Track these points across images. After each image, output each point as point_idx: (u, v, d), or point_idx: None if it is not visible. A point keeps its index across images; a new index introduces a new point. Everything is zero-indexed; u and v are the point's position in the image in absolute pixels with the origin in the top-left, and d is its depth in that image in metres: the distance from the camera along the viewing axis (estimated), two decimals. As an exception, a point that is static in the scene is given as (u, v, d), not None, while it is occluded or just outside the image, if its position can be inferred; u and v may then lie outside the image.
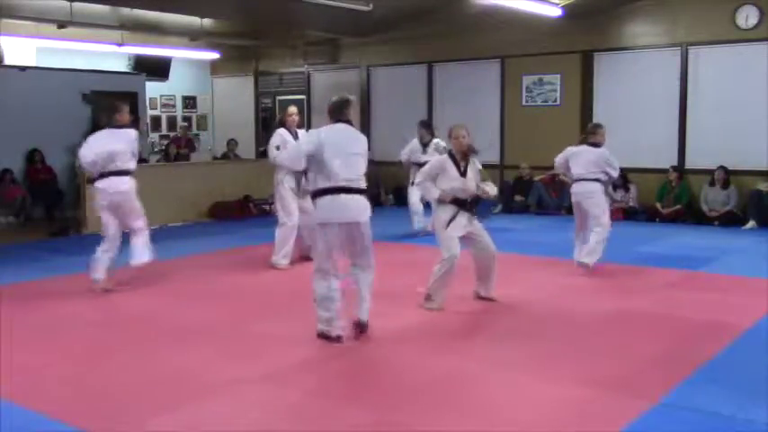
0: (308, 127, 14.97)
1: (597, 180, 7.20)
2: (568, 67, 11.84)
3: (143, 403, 3.96)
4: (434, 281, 5.78)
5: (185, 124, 15.77)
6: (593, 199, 7.19)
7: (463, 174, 5.84)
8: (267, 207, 12.07)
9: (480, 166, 6.06)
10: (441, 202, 5.85)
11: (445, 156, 5.97)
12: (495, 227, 10.18)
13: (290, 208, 7.45)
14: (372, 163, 12.27)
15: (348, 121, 5.10)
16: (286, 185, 7.44)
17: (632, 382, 4.22)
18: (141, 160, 12.56)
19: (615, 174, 7.36)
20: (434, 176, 5.89)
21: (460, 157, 5.87)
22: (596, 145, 7.28)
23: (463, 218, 5.80)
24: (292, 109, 7.88)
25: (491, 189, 5.98)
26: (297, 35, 14.14)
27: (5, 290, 6.64)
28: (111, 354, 4.84)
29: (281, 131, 7.67)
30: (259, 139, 15.80)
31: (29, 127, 11.48)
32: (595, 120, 11.64)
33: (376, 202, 12.23)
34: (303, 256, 7.56)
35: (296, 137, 7.38)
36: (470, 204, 5.84)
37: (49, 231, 10.17)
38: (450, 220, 5.76)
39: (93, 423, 3.70)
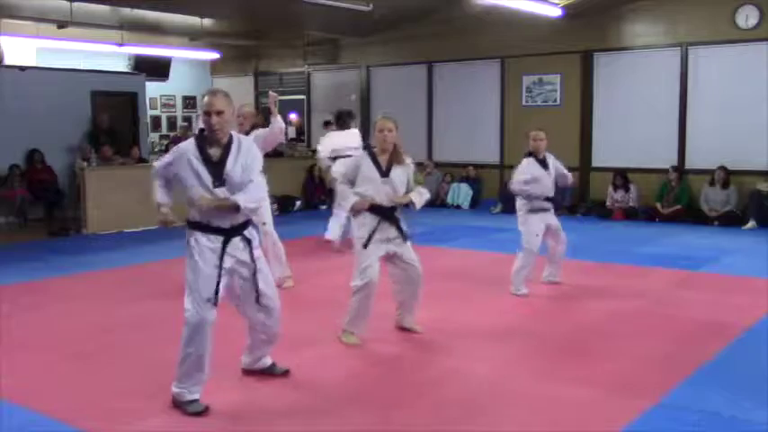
0: (308, 127, 15.02)
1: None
2: (568, 67, 11.85)
3: (143, 403, 3.96)
4: (352, 317, 4.79)
5: (185, 124, 15.75)
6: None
7: (385, 174, 4.72)
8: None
9: (414, 169, 4.92)
10: (354, 212, 4.74)
11: (362, 152, 4.90)
12: (496, 227, 10.24)
13: None
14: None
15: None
16: None
17: (632, 382, 4.22)
18: (140, 160, 12.58)
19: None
20: (353, 179, 4.80)
21: (385, 156, 4.74)
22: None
23: (386, 232, 4.70)
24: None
25: (418, 198, 4.80)
26: (297, 35, 14.14)
27: (5, 290, 6.64)
28: (111, 354, 4.83)
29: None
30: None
31: (29, 127, 11.46)
32: (596, 120, 11.71)
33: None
34: None
35: None
36: (395, 215, 4.75)
37: (48, 231, 10.17)
38: (370, 237, 4.66)
39: (93, 423, 3.69)
